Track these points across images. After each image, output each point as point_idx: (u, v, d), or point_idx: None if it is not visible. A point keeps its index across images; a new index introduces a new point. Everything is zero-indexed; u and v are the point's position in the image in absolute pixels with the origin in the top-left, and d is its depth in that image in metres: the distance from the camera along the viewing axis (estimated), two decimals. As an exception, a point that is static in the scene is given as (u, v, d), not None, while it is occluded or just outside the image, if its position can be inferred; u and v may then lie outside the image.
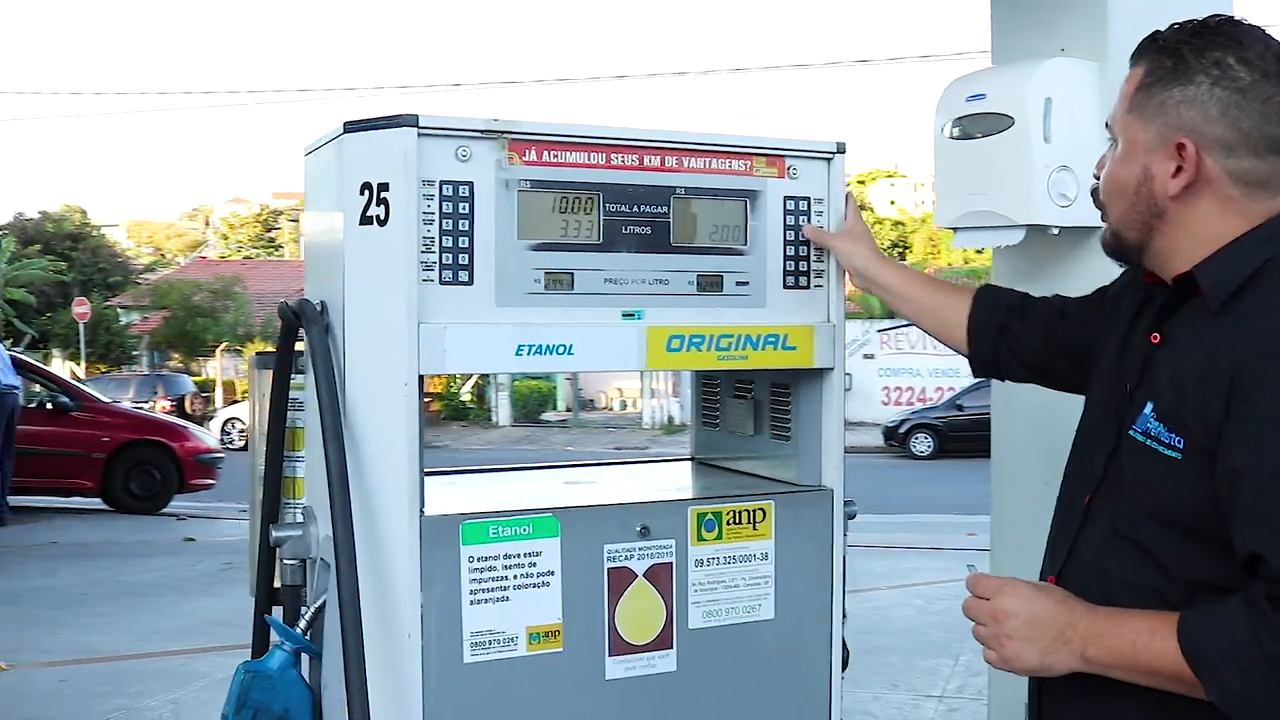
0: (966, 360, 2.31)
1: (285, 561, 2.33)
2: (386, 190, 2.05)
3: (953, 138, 3.05)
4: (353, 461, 2.07)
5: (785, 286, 2.36)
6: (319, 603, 2.22)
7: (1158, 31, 1.78)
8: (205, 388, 35.09)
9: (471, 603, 2.08)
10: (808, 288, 2.38)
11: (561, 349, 2.15)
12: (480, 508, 2.16)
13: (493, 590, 2.10)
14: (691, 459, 2.93)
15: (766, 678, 2.33)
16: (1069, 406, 2.07)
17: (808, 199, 2.37)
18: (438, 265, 2.07)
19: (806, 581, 2.36)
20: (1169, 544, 1.69)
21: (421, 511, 2.07)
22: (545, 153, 2.15)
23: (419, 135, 2.05)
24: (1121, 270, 2.00)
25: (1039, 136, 2.83)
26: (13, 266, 37.37)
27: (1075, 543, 1.85)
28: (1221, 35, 1.71)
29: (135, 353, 40.97)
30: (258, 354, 2.77)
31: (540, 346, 2.13)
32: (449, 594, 2.07)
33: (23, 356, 16.78)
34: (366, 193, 2.07)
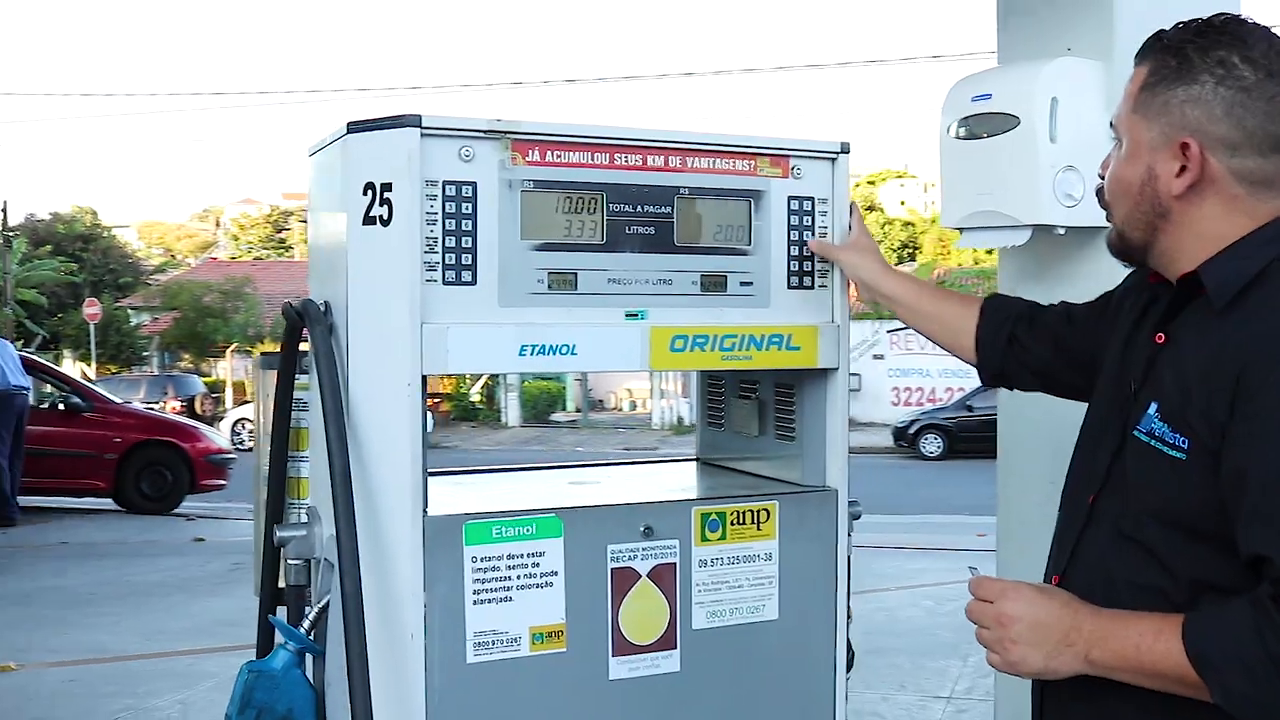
0: (975, 370, 2.32)
1: (289, 561, 2.33)
2: (390, 190, 2.05)
3: (958, 137, 3.05)
4: (356, 462, 2.07)
5: (789, 287, 2.36)
6: (323, 603, 2.22)
7: (1162, 31, 1.78)
8: (215, 388, 35.17)
9: (475, 603, 2.08)
10: (812, 288, 2.38)
11: (565, 349, 2.15)
12: (484, 508, 2.16)
13: (496, 590, 2.10)
14: (696, 459, 2.93)
15: (770, 678, 2.32)
16: (1075, 408, 2.07)
17: (812, 199, 2.37)
18: (441, 265, 2.07)
19: (811, 582, 2.35)
20: (1173, 544, 1.69)
21: (425, 511, 2.07)
22: (548, 153, 2.15)
23: (422, 135, 2.05)
24: (1128, 272, 2.00)
25: (1045, 136, 2.82)
26: (24, 267, 37.49)
27: (1079, 543, 1.84)
28: (1226, 34, 1.70)
29: (146, 353, 41.06)
30: (262, 354, 2.78)
31: (543, 347, 2.13)
32: (452, 594, 2.07)
33: (35, 357, 16.86)
34: (370, 193, 2.07)
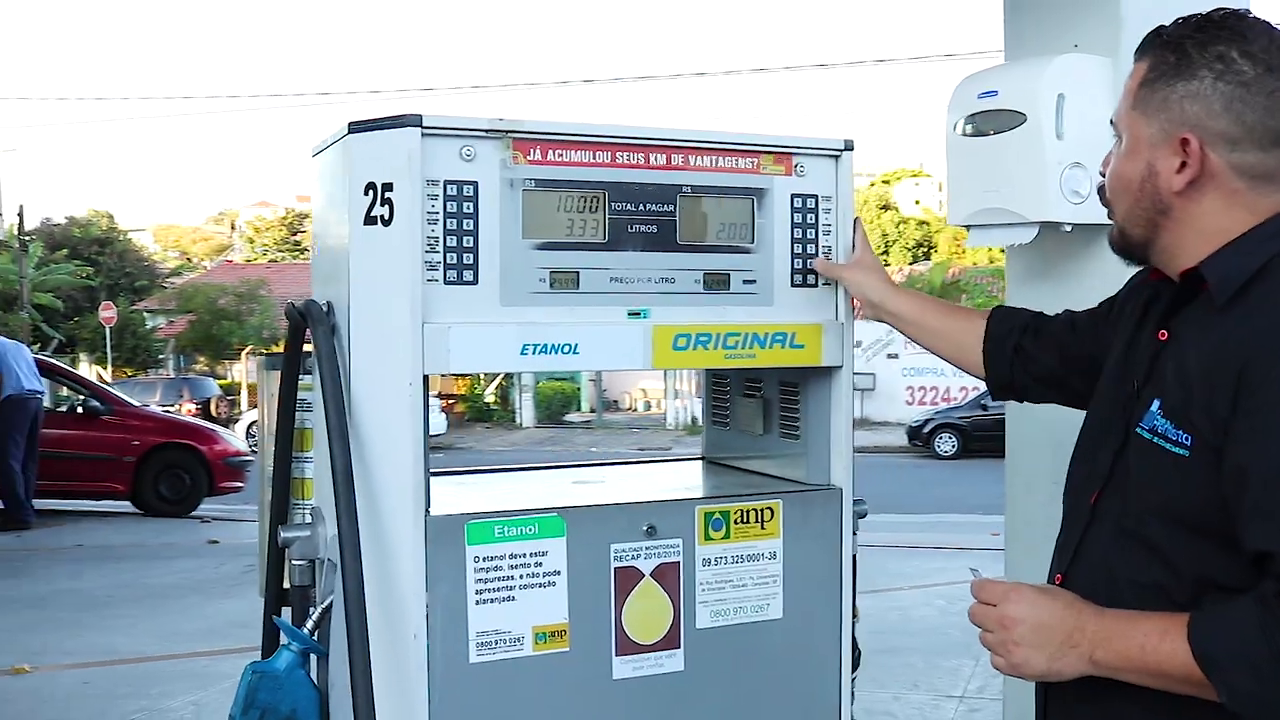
0: (984, 384, 2.31)
1: (294, 562, 2.33)
2: (391, 190, 2.05)
3: (965, 135, 3.04)
4: (358, 462, 2.07)
5: (793, 285, 2.35)
6: (326, 603, 2.22)
7: (1161, 26, 1.77)
8: (230, 391, 35.28)
9: (477, 602, 2.08)
10: (815, 286, 2.37)
11: (567, 348, 2.14)
12: (486, 507, 2.16)
13: (498, 590, 2.09)
14: (702, 458, 2.93)
15: (775, 678, 2.32)
16: (1083, 410, 2.06)
17: (815, 197, 2.36)
18: (442, 265, 2.07)
19: (815, 581, 2.35)
20: (1176, 542, 1.68)
21: (427, 511, 2.07)
22: (550, 152, 2.15)
23: (423, 135, 2.05)
24: (1134, 271, 1.99)
25: (1051, 133, 2.82)
26: (40, 272, 37.62)
27: (1081, 543, 1.83)
28: (1225, 29, 1.69)
29: (161, 356, 41.19)
30: (266, 355, 2.78)
31: (545, 346, 2.13)
32: (454, 594, 2.06)
33: (54, 361, 16.97)
34: (371, 193, 2.07)
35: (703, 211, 2.27)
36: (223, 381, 36.37)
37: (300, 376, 2.42)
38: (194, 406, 29.12)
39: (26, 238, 35.86)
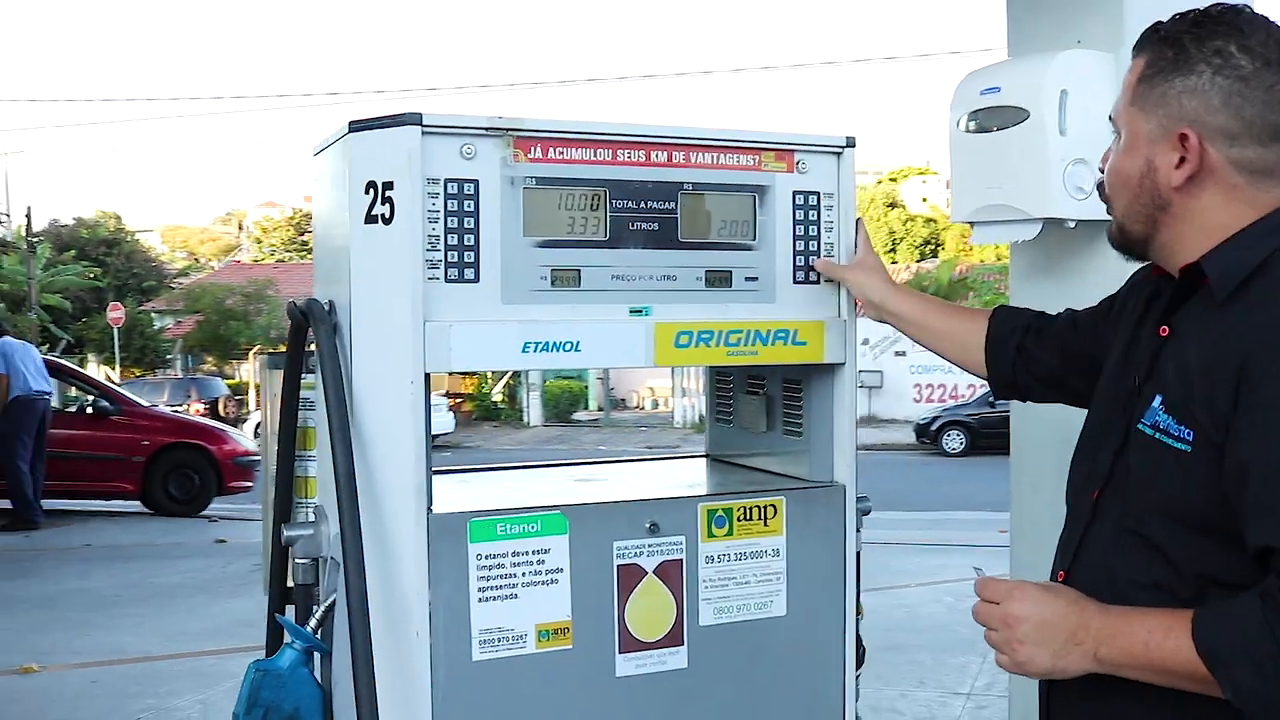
0: (986, 383, 2.31)
1: (297, 560, 2.33)
2: (391, 189, 2.05)
3: (968, 131, 3.03)
4: (360, 460, 2.07)
5: (795, 282, 2.35)
6: (329, 601, 2.23)
7: (1159, 22, 1.77)
8: (238, 390, 35.32)
9: (480, 600, 2.08)
10: (818, 283, 2.37)
11: (568, 346, 2.14)
12: (489, 505, 2.16)
13: (501, 588, 2.09)
14: (706, 456, 2.93)
15: (779, 675, 2.31)
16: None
17: (817, 194, 2.36)
18: (443, 263, 2.07)
19: (819, 578, 2.35)
20: (1177, 539, 1.67)
21: (429, 509, 2.07)
22: (551, 149, 2.15)
23: (423, 133, 2.05)
24: (1135, 268, 1.99)
25: (1054, 129, 2.81)
26: (48, 273, 37.72)
27: (1083, 541, 1.83)
28: (1223, 24, 1.69)
29: (169, 357, 41.27)
30: (269, 354, 2.79)
31: (547, 344, 2.12)
32: (457, 592, 2.06)
33: (63, 362, 17.01)
34: (371, 191, 2.07)
35: (704, 209, 2.26)
36: (230, 381, 36.43)
37: (303, 375, 2.42)
38: (202, 406, 29.16)
39: (34, 239, 35.97)
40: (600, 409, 36.86)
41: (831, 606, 2.36)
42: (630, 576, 2.19)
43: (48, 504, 12.49)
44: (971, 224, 3.11)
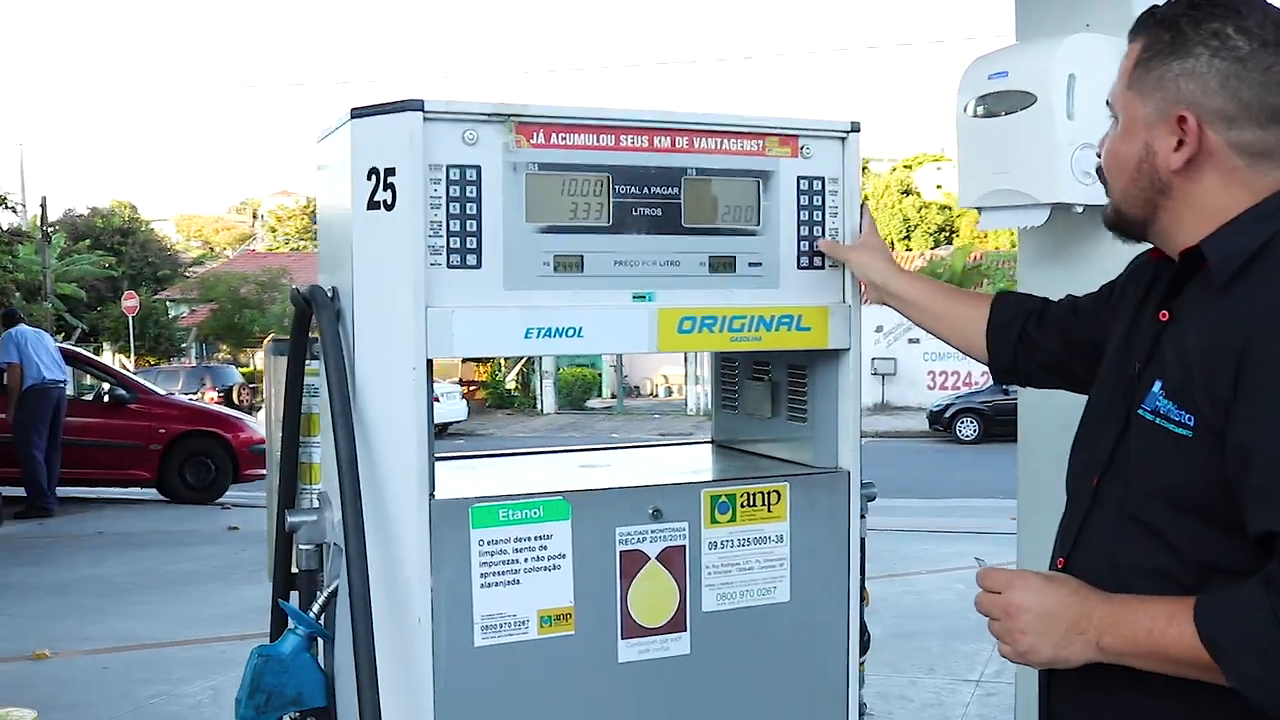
0: (987, 368, 2.30)
1: (301, 547, 2.34)
2: (393, 175, 2.05)
3: (976, 116, 3.02)
4: (363, 446, 2.07)
5: (799, 267, 2.34)
6: (332, 587, 2.23)
7: (1155, 5, 1.76)
8: (252, 379, 35.40)
9: (482, 586, 2.08)
10: (822, 268, 2.36)
11: (571, 332, 2.14)
12: (491, 491, 2.16)
13: (503, 573, 2.09)
14: (712, 442, 2.92)
15: (782, 661, 2.31)
16: (1097, 394, 2.04)
17: (822, 179, 2.35)
18: (445, 249, 2.07)
19: (823, 564, 2.34)
20: (1179, 525, 1.66)
21: (431, 495, 2.07)
22: (553, 135, 2.14)
23: (425, 119, 2.04)
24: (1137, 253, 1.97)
25: (1062, 114, 2.79)
26: (63, 262, 37.84)
27: (1083, 528, 1.82)
28: (1219, 6, 1.68)
29: (184, 345, 41.41)
30: (274, 341, 2.79)
31: (549, 329, 2.12)
32: (459, 578, 2.07)
33: (80, 350, 17.06)
34: (374, 178, 2.07)
35: (708, 194, 2.26)
36: (245, 369, 36.52)
37: (307, 362, 2.42)
38: (216, 394, 29.27)
39: (50, 228, 36.05)
40: (614, 396, 36.88)
41: (835, 593, 2.36)
42: (633, 562, 2.19)
43: (62, 491, 12.55)
44: (979, 209, 3.09)
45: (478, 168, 2.09)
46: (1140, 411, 1.71)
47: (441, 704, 2.06)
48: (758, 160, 2.29)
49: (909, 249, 53.62)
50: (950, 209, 66.52)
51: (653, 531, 2.20)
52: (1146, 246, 1.88)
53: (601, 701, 2.18)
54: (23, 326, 12.51)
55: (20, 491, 12.13)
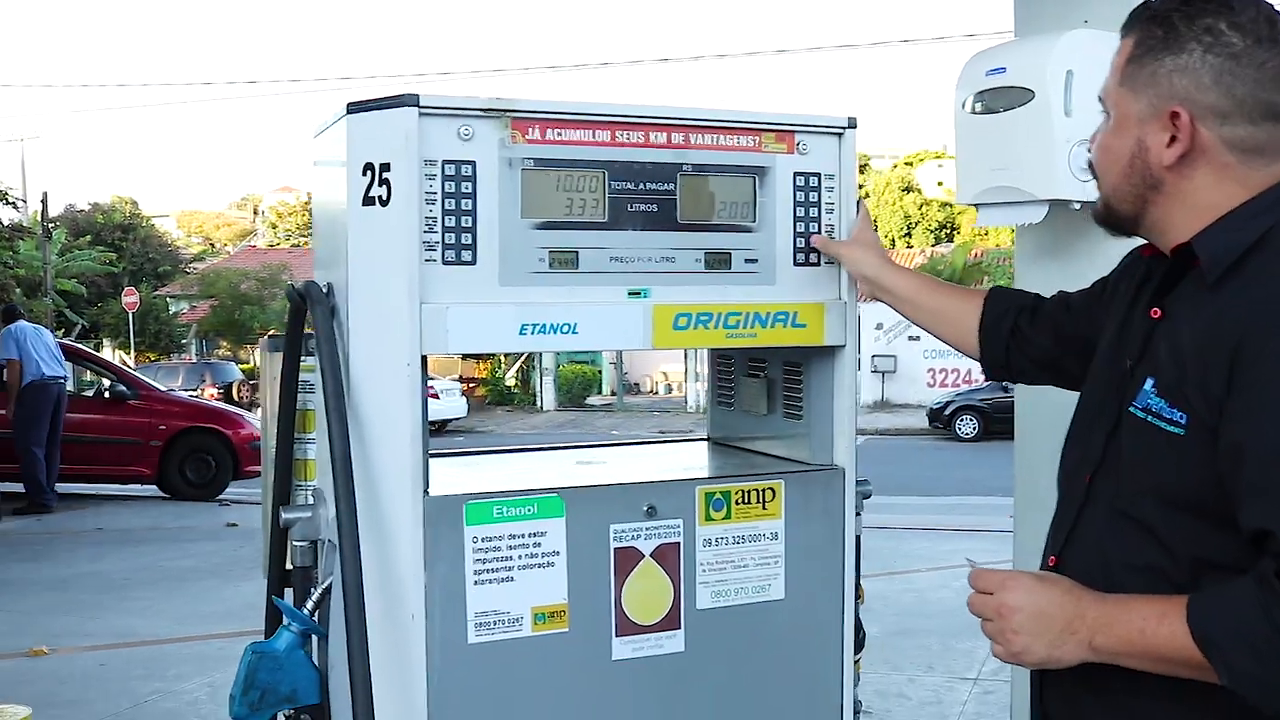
0: (979, 363, 2.30)
1: (295, 543, 2.33)
2: (388, 171, 2.04)
3: (974, 113, 3.02)
4: (357, 443, 2.07)
5: (795, 264, 2.33)
6: (326, 584, 2.22)
7: (1147, 1, 1.75)
8: (252, 375, 35.37)
9: (476, 583, 2.08)
10: (818, 265, 2.35)
11: (566, 328, 2.13)
12: (486, 488, 2.15)
13: (497, 570, 2.09)
14: (707, 439, 2.92)
15: (777, 658, 2.31)
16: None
17: (818, 175, 2.34)
18: (440, 245, 2.06)
19: (818, 561, 2.34)
20: (1171, 522, 1.66)
21: (425, 492, 2.06)
22: (549, 130, 2.14)
23: (420, 115, 2.04)
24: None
25: (1060, 110, 2.79)
26: (64, 258, 37.81)
27: (1076, 525, 1.81)
28: (1212, 1, 1.67)
29: (184, 341, 41.39)
30: (269, 337, 2.78)
31: (544, 326, 2.12)
32: (453, 574, 2.06)
33: (81, 346, 17.05)
34: (369, 173, 2.06)
35: (704, 190, 2.25)
36: (245, 366, 36.45)
37: (303, 358, 2.42)
38: (216, 391, 29.26)
39: (50, 224, 36.02)
40: (613, 393, 36.87)
41: (830, 590, 2.35)
42: (627, 559, 2.18)
43: (62, 488, 12.55)
44: (977, 206, 3.09)
45: (473, 163, 2.08)
46: (1132, 409, 1.70)
47: (435, 701, 2.05)
48: (754, 156, 2.29)
49: (910, 246, 53.59)
50: (951, 206, 66.39)
51: (647, 529, 2.20)
52: (1139, 242, 1.88)
53: (595, 699, 2.17)
54: (22, 322, 12.52)
55: (19, 487, 12.14)
